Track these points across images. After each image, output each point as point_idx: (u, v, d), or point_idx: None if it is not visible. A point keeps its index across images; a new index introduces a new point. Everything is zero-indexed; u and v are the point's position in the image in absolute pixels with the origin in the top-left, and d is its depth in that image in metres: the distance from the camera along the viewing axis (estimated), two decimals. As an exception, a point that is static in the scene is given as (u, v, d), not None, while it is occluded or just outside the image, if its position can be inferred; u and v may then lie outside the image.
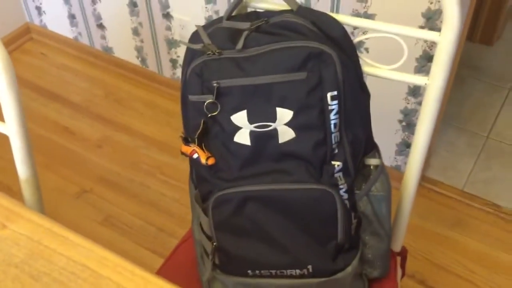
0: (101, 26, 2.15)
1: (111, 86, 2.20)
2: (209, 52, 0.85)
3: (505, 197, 1.74)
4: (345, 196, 0.88)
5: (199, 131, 0.86)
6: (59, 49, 2.38)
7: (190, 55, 0.89)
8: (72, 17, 2.22)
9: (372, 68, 0.92)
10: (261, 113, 0.84)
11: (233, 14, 0.94)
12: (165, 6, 1.88)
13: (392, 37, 0.88)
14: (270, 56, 0.83)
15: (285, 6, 0.90)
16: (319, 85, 0.83)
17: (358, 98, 0.88)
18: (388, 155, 1.74)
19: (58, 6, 2.22)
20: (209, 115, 0.85)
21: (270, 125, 0.84)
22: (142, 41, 2.08)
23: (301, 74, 0.82)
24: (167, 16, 1.91)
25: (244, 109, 0.84)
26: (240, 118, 0.85)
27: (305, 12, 0.87)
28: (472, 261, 1.59)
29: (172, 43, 1.99)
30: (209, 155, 0.87)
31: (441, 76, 0.87)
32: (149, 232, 1.67)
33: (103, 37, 2.19)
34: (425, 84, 0.89)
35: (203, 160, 0.86)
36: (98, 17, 2.13)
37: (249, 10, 0.97)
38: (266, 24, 0.86)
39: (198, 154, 0.86)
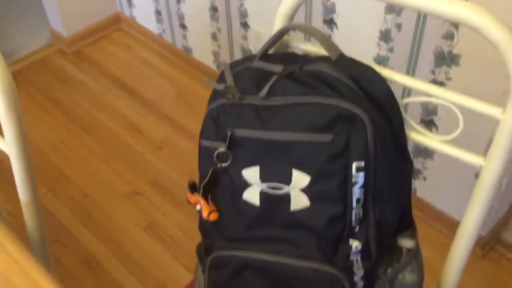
0: (183, 26, 2.13)
1: (184, 87, 2.17)
2: (229, 96, 0.75)
3: None
4: (360, 284, 0.75)
5: (205, 180, 0.78)
6: (144, 43, 2.39)
7: (214, 94, 0.80)
8: (158, 13, 2.22)
9: (420, 135, 0.78)
10: (275, 173, 0.74)
11: (271, 52, 0.84)
12: (243, 15, 1.81)
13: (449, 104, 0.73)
14: (293, 110, 0.72)
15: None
16: (345, 152, 0.71)
17: (393, 170, 0.74)
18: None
19: (146, 0, 2.22)
20: (219, 165, 0.77)
21: (283, 188, 0.74)
22: (219, 46, 2.02)
23: (326, 136, 0.71)
24: (244, 25, 1.83)
25: (257, 165, 0.75)
26: (251, 174, 0.75)
27: (346, 62, 0.75)
28: None
29: (246, 53, 1.91)
30: (213, 209, 0.78)
31: (500, 159, 0.71)
32: (188, 247, 1.62)
33: (184, 37, 2.17)
34: (480, 166, 0.73)
35: (205, 214, 0.77)
36: (181, 17, 2.10)
37: (290, 50, 0.86)
38: (300, 71, 0.75)
39: (201, 206, 0.77)
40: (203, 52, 2.13)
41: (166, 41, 2.29)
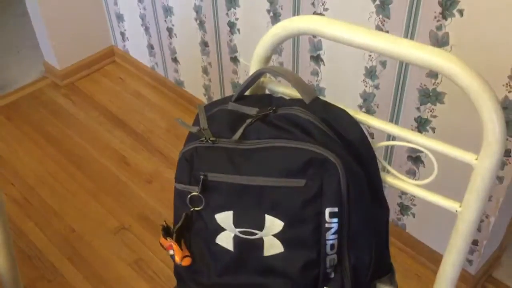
0: (175, 60, 2.14)
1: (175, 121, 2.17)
2: (203, 139, 0.75)
3: None
4: (335, 332, 0.73)
5: (178, 224, 0.77)
6: (137, 76, 2.41)
7: (189, 136, 0.80)
8: (151, 47, 2.23)
9: (396, 180, 0.77)
10: (248, 218, 0.73)
11: (247, 93, 0.84)
12: (233, 50, 1.82)
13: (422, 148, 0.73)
14: (266, 155, 0.72)
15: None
16: (318, 197, 0.70)
17: (368, 216, 0.73)
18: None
19: (139, 34, 2.24)
20: (192, 209, 0.76)
21: (256, 233, 0.73)
22: (210, 80, 2.03)
23: (299, 181, 0.70)
24: (234, 60, 1.84)
25: (230, 210, 0.74)
26: (225, 218, 0.74)
27: (320, 106, 0.75)
28: None
29: (236, 87, 1.92)
30: (186, 254, 0.76)
31: (475, 205, 0.70)
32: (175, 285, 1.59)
33: (176, 71, 2.18)
34: (456, 211, 0.72)
35: (177, 259, 0.76)
36: (173, 51, 2.12)
37: (267, 92, 0.86)
38: (274, 114, 0.75)
39: (174, 251, 0.76)
40: (194, 85, 2.14)
41: (158, 74, 2.30)
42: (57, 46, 2.30)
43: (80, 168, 1.98)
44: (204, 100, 2.13)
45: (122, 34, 2.37)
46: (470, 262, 1.47)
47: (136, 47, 2.34)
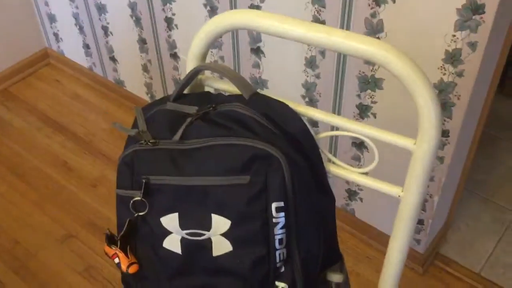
0: (113, 59, 2.09)
1: (118, 121, 2.12)
2: (142, 141, 0.73)
3: (528, 288, 1.54)
4: (289, 326, 0.73)
5: (122, 232, 0.74)
6: (74, 77, 2.33)
7: (128, 140, 0.77)
8: (87, 46, 2.17)
9: (339, 168, 0.77)
10: (194, 219, 0.71)
11: (186, 91, 0.82)
12: (172, 46, 1.79)
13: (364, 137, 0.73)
14: (208, 153, 0.70)
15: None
16: (263, 193, 0.69)
17: (315, 207, 0.73)
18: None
19: (74, 34, 2.17)
20: (136, 215, 0.74)
21: (204, 234, 0.71)
22: (151, 78, 1.99)
23: (243, 178, 0.69)
24: (174, 56, 1.81)
25: (175, 212, 0.72)
26: (170, 221, 0.72)
27: (259, 101, 0.74)
28: None
29: (179, 83, 1.89)
30: (133, 261, 0.74)
31: (416, 189, 0.71)
32: (128, 289, 1.56)
33: (115, 70, 2.12)
34: (398, 196, 0.73)
35: (123, 267, 0.74)
36: (110, 50, 2.06)
37: (206, 89, 0.85)
38: (214, 112, 0.74)
39: (119, 259, 0.74)
40: (136, 84, 2.09)
41: (97, 74, 2.24)
42: (-14, 51, 2.20)
43: (20, 177, 1.91)
44: (147, 99, 2.09)
45: (56, 35, 2.28)
46: (418, 241, 1.51)
47: (71, 47, 2.26)
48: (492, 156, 1.93)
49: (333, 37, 0.67)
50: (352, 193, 1.58)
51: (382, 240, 1.59)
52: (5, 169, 1.94)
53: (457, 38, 1.10)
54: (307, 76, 1.44)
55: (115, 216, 1.86)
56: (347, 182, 1.56)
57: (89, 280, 1.58)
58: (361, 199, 1.57)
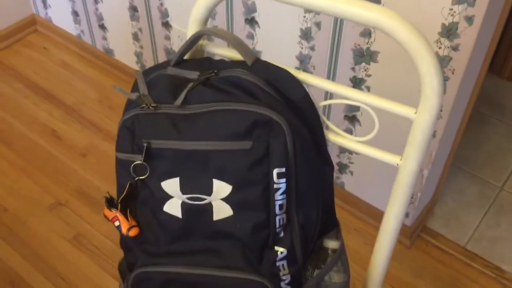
0: (102, 27, 2.05)
1: (107, 91, 2.10)
2: (143, 105, 0.72)
3: (510, 261, 1.57)
4: (287, 289, 0.75)
5: (123, 195, 0.74)
6: (62, 45, 2.29)
7: (128, 104, 0.77)
8: (75, 13, 2.13)
9: (338, 137, 0.78)
10: (195, 184, 0.72)
11: (186, 57, 0.81)
12: (164, 15, 1.76)
13: (363, 105, 0.74)
14: (210, 118, 0.70)
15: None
16: (265, 159, 0.70)
17: (315, 174, 0.74)
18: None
19: (62, 1, 2.13)
20: (136, 178, 0.74)
21: (205, 198, 0.72)
22: (142, 47, 1.97)
23: (245, 143, 0.69)
24: (166, 25, 1.79)
25: (176, 176, 0.72)
26: (171, 186, 0.72)
27: (262, 67, 0.74)
28: (464, 330, 1.44)
29: (170, 54, 1.87)
30: (133, 224, 0.75)
31: (415, 158, 0.72)
32: (119, 258, 1.56)
33: (104, 38, 2.09)
34: (397, 164, 0.74)
35: (124, 230, 0.74)
36: (100, 17, 2.03)
37: (206, 55, 0.84)
38: (216, 77, 0.73)
39: (119, 221, 0.74)
40: (125, 53, 2.07)
41: (85, 42, 2.20)
42: (-28, 16, 2.14)
43: (7, 145, 1.89)
44: (137, 68, 2.07)
45: (44, 1, 2.23)
46: (406, 214, 1.53)
47: (60, 14, 2.22)
48: (480, 133, 1.96)
49: (339, 3, 0.66)
50: (343, 166, 1.59)
51: (371, 213, 1.61)
52: None
53: (454, 11, 1.11)
54: (302, 48, 1.43)
55: (105, 185, 1.85)
56: (338, 155, 1.57)
57: (78, 248, 1.59)
58: (351, 172, 1.59)
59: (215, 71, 0.74)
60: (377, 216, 1.59)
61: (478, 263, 1.57)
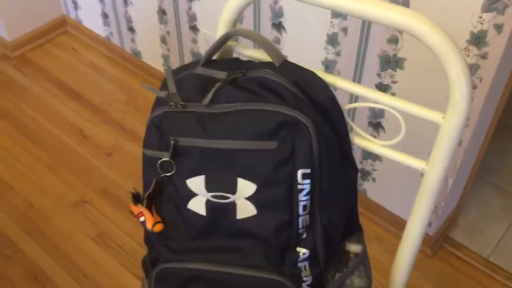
0: (131, 29, 2.09)
1: (134, 92, 2.13)
2: (172, 103, 0.74)
3: (536, 275, 1.55)
4: (309, 290, 0.75)
5: (149, 191, 0.76)
6: (91, 46, 2.33)
7: (156, 101, 0.78)
8: (105, 15, 2.17)
9: (363, 140, 0.78)
10: (220, 182, 0.72)
11: (214, 57, 0.82)
12: (192, 18, 1.78)
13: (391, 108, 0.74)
14: (237, 118, 0.71)
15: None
16: (290, 159, 0.70)
17: (339, 176, 0.74)
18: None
19: (93, 2, 2.17)
20: (163, 175, 0.75)
21: (229, 197, 0.73)
22: (169, 50, 1.99)
23: (271, 143, 0.70)
24: (193, 28, 1.81)
25: (202, 174, 0.73)
26: (196, 183, 0.73)
27: (289, 68, 0.75)
28: None
29: (197, 56, 1.89)
30: (158, 220, 0.76)
31: (441, 164, 0.72)
32: (140, 256, 1.57)
33: (133, 40, 2.13)
34: (422, 169, 0.74)
35: (149, 225, 0.75)
36: (129, 20, 2.06)
37: (235, 55, 0.85)
38: (243, 77, 0.74)
39: (145, 217, 0.75)
40: (153, 55, 2.09)
41: (114, 44, 2.24)
42: (6, 17, 2.20)
43: (35, 142, 1.93)
44: (163, 71, 2.09)
45: (74, 2, 2.28)
46: (429, 224, 1.51)
47: (90, 16, 2.26)
48: (506, 144, 1.93)
49: (369, 6, 0.67)
50: (366, 173, 1.58)
51: (392, 221, 1.60)
52: (20, 134, 1.95)
53: (484, 19, 1.10)
54: (328, 53, 1.44)
55: (129, 185, 1.87)
56: (361, 161, 1.57)
57: (101, 246, 1.61)
58: (373, 179, 1.58)
59: (243, 71, 0.74)
60: (398, 224, 1.58)
61: (501, 276, 1.54)
